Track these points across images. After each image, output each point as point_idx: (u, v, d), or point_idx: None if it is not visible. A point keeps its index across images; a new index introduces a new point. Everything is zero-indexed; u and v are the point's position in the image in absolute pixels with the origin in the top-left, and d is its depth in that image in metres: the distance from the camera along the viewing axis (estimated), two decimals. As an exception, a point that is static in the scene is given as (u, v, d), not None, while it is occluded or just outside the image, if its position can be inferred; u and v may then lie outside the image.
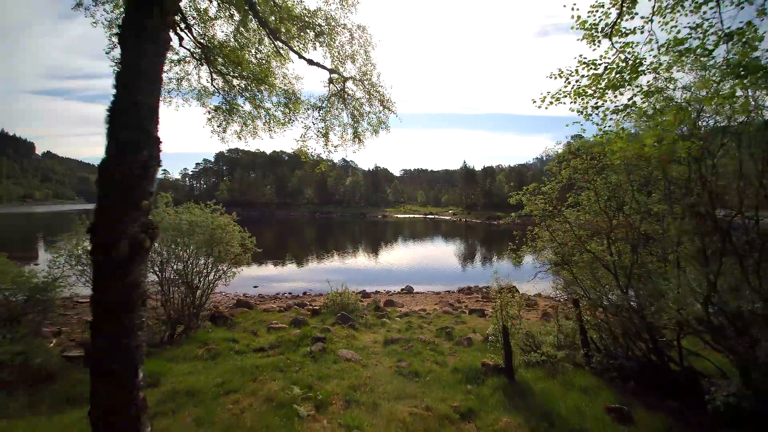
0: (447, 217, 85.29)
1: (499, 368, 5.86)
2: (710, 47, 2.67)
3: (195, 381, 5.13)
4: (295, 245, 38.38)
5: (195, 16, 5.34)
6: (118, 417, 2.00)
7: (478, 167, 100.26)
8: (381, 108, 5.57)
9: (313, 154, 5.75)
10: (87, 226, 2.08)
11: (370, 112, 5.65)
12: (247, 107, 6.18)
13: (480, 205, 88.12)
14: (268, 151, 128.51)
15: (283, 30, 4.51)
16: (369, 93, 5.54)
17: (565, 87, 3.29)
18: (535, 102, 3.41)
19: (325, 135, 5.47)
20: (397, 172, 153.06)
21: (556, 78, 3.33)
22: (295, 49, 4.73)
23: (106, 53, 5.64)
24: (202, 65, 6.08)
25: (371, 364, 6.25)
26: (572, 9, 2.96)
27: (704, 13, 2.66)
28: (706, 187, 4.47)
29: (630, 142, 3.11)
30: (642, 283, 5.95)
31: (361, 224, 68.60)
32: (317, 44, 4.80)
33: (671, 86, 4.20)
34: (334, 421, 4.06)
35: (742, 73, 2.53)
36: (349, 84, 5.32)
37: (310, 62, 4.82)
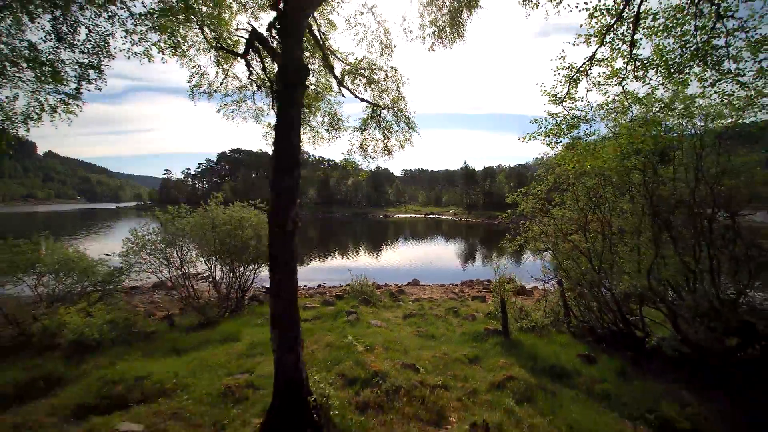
0: (448, 217, 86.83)
1: (498, 331, 7.48)
2: (627, 106, 4.26)
3: (265, 337, 6.72)
4: (301, 244, 39.83)
5: (267, 54, 6.91)
6: (286, 321, 3.60)
7: (479, 167, 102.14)
8: (406, 128, 7.19)
9: (352, 162, 7.36)
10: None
11: (397, 131, 7.27)
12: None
13: (480, 205, 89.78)
14: (271, 151, 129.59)
15: (347, 79, 6.16)
16: (397, 116, 7.14)
17: (539, 130, 4.95)
18: (519, 138, 5.09)
19: (365, 150, 7.10)
20: (398, 172, 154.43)
21: (533, 123, 5.02)
22: (350, 89, 6.35)
23: (187, 81, 7.20)
24: (261, 90, 7.68)
25: (396, 329, 7.87)
26: (541, 86, 4.61)
27: (624, 86, 4.24)
28: (648, 191, 6.08)
29: (578, 162, 4.75)
30: (610, 265, 7.57)
31: (364, 224, 70.15)
32: (368, 88, 6.42)
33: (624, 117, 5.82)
34: (380, 356, 5.67)
35: (646, 123, 4.10)
36: (384, 111, 6.92)
37: (362, 100, 6.45)
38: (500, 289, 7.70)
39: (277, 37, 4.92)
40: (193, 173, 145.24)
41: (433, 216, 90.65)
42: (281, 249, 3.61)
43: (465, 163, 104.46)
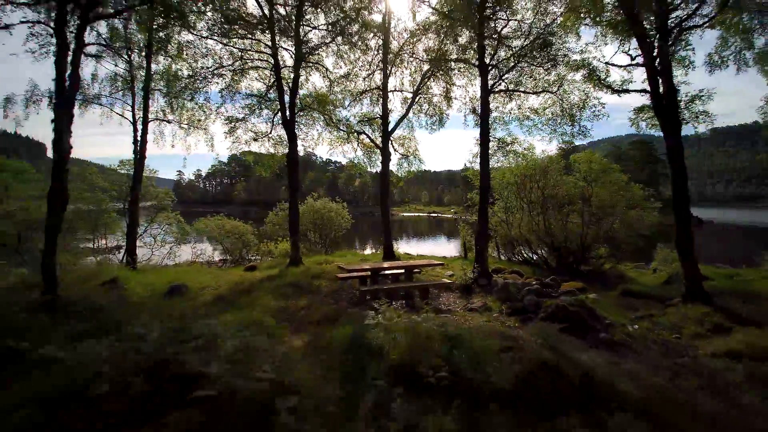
0: (449, 216, 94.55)
1: (461, 256, 16.10)
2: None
3: (361, 256, 15.36)
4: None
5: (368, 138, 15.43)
6: (388, 233, 12.16)
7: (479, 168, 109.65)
8: (419, 162, 15.76)
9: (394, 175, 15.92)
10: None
11: (414, 163, 15.83)
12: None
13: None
14: (279, 153, 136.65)
15: (393, 142, 14.79)
16: (413, 157, 15.71)
17: (465, 170, 13.40)
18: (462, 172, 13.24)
19: (398, 173, 15.66)
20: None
21: (464, 170, 13.41)
22: (394, 147, 14.93)
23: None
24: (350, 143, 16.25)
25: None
26: (471, 162, 12.86)
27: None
28: (522, 193, 14.66)
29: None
30: (512, 226, 16.17)
31: (371, 222, 77.85)
32: (401, 146, 15.03)
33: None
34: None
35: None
36: (409, 156, 15.45)
37: (401, 154, 15.02)
38: (462, 236, 16.29)
39: (373, 134, 13.74)
40: (203, 174, 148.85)
41: (436, 215, 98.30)
42: (386, 215, 12.30)
43: (465, 165, 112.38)
